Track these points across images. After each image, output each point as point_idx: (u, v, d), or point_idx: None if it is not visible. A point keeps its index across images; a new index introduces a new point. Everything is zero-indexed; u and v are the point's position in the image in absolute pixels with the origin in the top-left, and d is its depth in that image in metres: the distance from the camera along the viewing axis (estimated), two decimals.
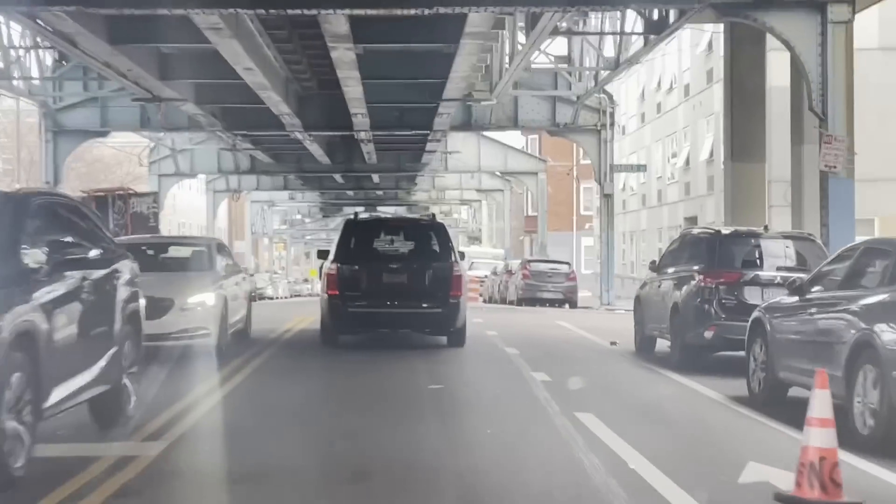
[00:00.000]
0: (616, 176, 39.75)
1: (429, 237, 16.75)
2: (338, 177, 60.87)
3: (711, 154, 39.28)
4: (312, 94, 31.28)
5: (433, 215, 19.40)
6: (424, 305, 15.76)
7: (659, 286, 15.62)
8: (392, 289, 15.89)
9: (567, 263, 37.93)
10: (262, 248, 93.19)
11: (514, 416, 9.99)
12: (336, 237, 17.27)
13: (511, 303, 36.97)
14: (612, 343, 17.59)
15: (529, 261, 38.62)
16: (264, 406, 10.66)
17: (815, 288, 10.31)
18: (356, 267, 16.05)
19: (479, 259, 49.24)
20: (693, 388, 12.13)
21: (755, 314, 11.35)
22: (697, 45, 40.16)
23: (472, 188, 57.21)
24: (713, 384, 12.29)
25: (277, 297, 62.57)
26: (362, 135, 33.69)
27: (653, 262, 16.45)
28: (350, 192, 63.38)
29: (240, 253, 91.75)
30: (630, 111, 52.82)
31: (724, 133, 23.31)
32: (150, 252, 15.29)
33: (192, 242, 17.00)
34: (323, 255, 17.53)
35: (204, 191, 62.84)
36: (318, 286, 20.35)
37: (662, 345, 16.08)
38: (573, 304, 35.14)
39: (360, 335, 16.97)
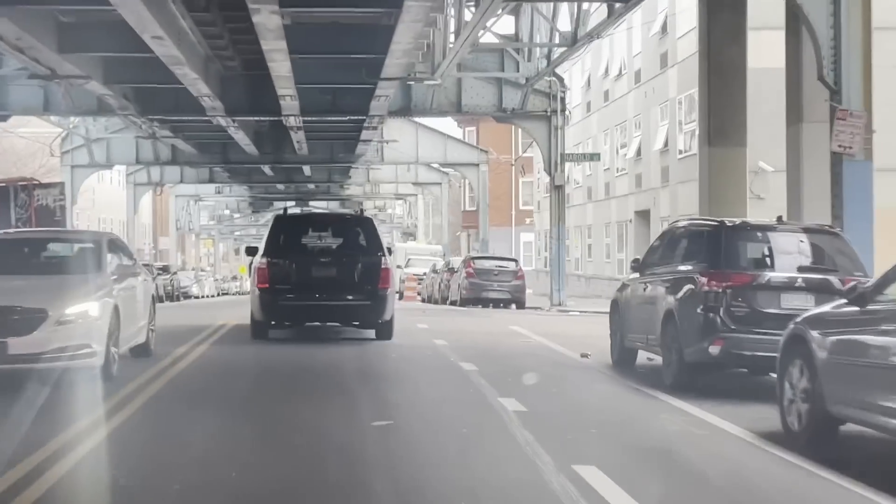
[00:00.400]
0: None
1: (357, 232, 17.33)
2: (266, 168, 58.06)
3: (666, 144, 37.10)
4: (236, 75, 28.70)
5: (362, 210, 20.37)
6: (352, 298, 16.39)
7: (645, 289, 13.16)
8: (321, 282, 16.50)
9: (514, 260, 35.53)
10: (190, 245, 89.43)
11: (493, 474, 7.37)
12: (266, 232, 17.60)
13: (453, 303, 34.54)
14: (584, 355, 15.16)
15: (474, 258, 35.96)
16: (155, 454, 7.97)
17: (884, 295, 7.86)
18: (285, 261, 16.66)
19: (417, 256, 46.85)
20: (706, 421, 9.67)
21: (792, 328, 8.85)
22: (650, 28, 37.92)
23: (408, 181, 54.41)
24: (728, 414, 9.86)
25: (203, 296, 59.44)
26: (291, 120, 30.98)
27: (636, 261, 13.95)
28: (280, 186, 60.50)
29: (164, 250, 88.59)
30: (575, 100, 50.51)
31: (699, 114, 20.98)
32: (25, 250, 12.47)
33: (76, 238, 14.15)
34: (252, 251, 18.45)
35: (125, 184, 59.32)
36: (248, 284, 21.22)
37: (643, 357, 13.68)
38: (521, 305, 32.77)
39: (291, 329, 17.40)
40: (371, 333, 16.95)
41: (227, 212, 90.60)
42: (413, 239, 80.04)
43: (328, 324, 17.58)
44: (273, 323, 16.84)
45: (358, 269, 16.55)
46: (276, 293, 16.38)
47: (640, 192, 40.45)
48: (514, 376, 12.44)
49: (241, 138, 36.80)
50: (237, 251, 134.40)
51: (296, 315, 16.82)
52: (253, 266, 17.33)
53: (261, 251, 16.94)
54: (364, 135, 36.48)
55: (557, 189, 33.51)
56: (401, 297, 41.81)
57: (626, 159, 42.55)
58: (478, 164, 48.67)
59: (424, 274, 42.32)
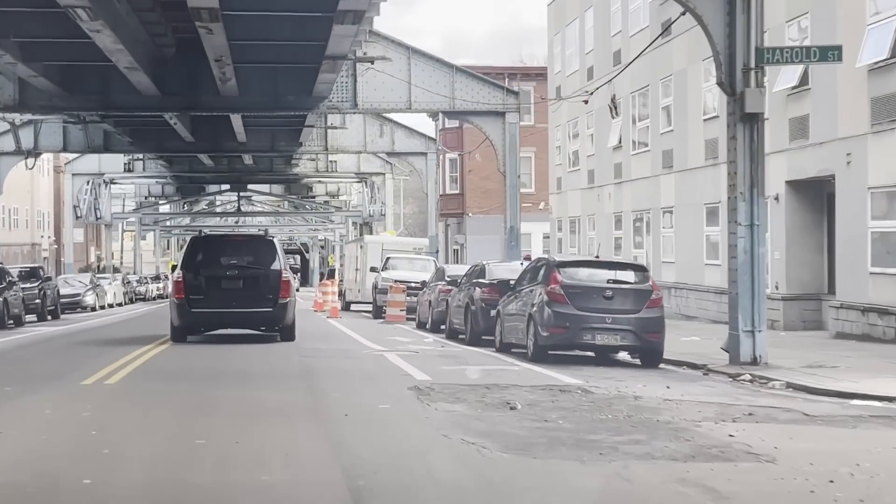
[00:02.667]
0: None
1: (262, 251, 24.45)
2: (204, 158, 57.73)
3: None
4: (170, 56, 28.65)
5: (266, 231, 29.14)
6: (257, 307, 23.63)
7: None
8: (230, 293, 23.45)
9: (642, 269, 22.30)
10: (108, 238, 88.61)
11: None
12: (183, 250, 24.31)
13: (478, 340, 25.91)
14: None
15: (562, 263, 22.07)
16: None
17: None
18: (199, 275, 23.43)
19: (399, 254, 45.75)
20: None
21: None
22: None
23: (380, 149, 53.86)
24: None
25: (103, 307, 58.05)
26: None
27: None
28: (207, 161, 59.84)
29: (77, 243, 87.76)
30: None
31: None
32: None
33: None
34: (174, 268, 25.31)
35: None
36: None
37: None
38: (654, 357, 21.05)
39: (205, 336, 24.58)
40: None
41: (149, 197, 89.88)
42: (369, 231, 79.58)
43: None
44: (189, 329, 23.96)
45: (262, 282, 23.83)
46: (191, 303, 23.37)
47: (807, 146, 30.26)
48: None
49: (180, 129, 36.89)
50: (166, 245, 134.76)
51: (208, 322, 24.28)
52: (171, 279, 23.96)
53: (178, 266, 23.83)
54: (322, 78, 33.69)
55: (748, 120, 20.29)
56: (379, 315, 41.13)
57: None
58: (503, 114, 40.56)
59: (421, 284, 37.02)
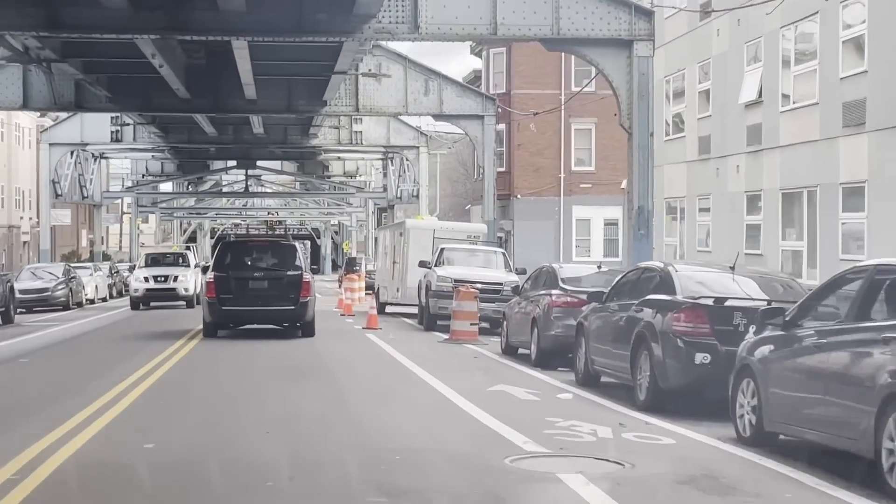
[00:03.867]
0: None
1: (285, 254, 27.36)
2: (205, 123, 46.60)
3: None
4: None
5: (291, 236, 42.31)
6: (280, 305, 26.18)
7: None
8: (256, 292, 26.20)
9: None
10: (99, 220, 76.78)
11: None
12: (215, 254, 28.38)
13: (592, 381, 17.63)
14: None
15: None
16: None
17: None
18: (229, 277, 26.21)
19: (453, 243, 34.22)
20: None
21: None
22: None
23: (425, 112, 42.33)
24: None
25: (80, 304, 46.03)
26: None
27: None
28: (207, 128, 48.62)
29: (65, 226, 76.40)
30: None
31: None
32: None
33: None
34: (205, 269, 30.34)
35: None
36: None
37: None
38: None
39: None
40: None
41: (146, 175, 78.52)
42: (392, 217, 67.99)
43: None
44: (220, 325, 26.68)
45: (285, 283, 26.24)
46: (222, 301, 26.05)
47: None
48: None
49: (168, 73, 30.14)
50: (165, 230, 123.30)
51: (237, 319, 26.88)
52: (204, 279, 27.60)
53: (210, 268, 27.14)
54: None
55: None
56: (432, 326, 30.78)
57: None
58: (629, 43, 26.95)
59: (495, 286, 29.10)
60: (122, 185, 77.90)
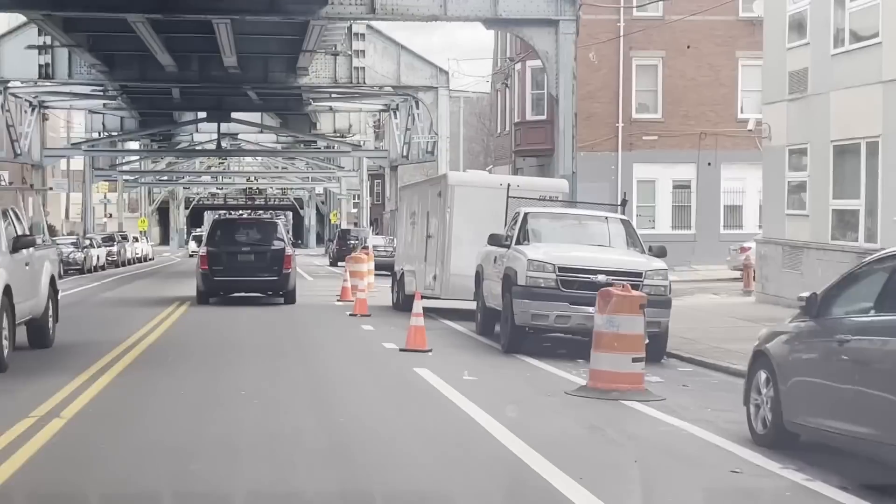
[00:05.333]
0: None
1: (269, 230, 29.59)
2: (160, 53, 33.85)
3: None
4: None
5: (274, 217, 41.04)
6: (265, 275, 28.04)
7: None
8: (244, 264, 28.07)
9: None
10: (38, 184, 63.01)
11: None
12: (206, 230, 34.23)
13: None
14: None
15: None
16: None
17: None
18: (219, 250, 28.10)
19: (536, 207, 21.20)
20: None
21: None
22: None
23: (470, 16, 29.05)
24: None
25: None
26: None
27: None
28: (169, 63, 35.17)
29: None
30: None
31: None
32: None
33: None
34: (197, 238, 53.10)
35: None
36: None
37: None
38: None
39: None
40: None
41: (103, 135, 65.29)
42: (396, 179, 54.86)
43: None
44: (212, 293, 28.30)
45: (269, 256, 28.19)
46: (213, 272, 27.83)
47: None
48: None
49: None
50: (126, 198, 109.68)
51: (226, 287, 28.48)
52: (198, 253, 29.69)
53: (203, 243, 29.68)
54: None
55: None
56: (516, 345, 18.28)
57: None
58: None
59: (636, 278, 16.84)
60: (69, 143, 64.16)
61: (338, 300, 29.75)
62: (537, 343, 18.25)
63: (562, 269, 17.19)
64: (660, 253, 18.66)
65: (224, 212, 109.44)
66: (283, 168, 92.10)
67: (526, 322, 17.39)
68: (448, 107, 43.40)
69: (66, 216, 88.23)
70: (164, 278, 45.29)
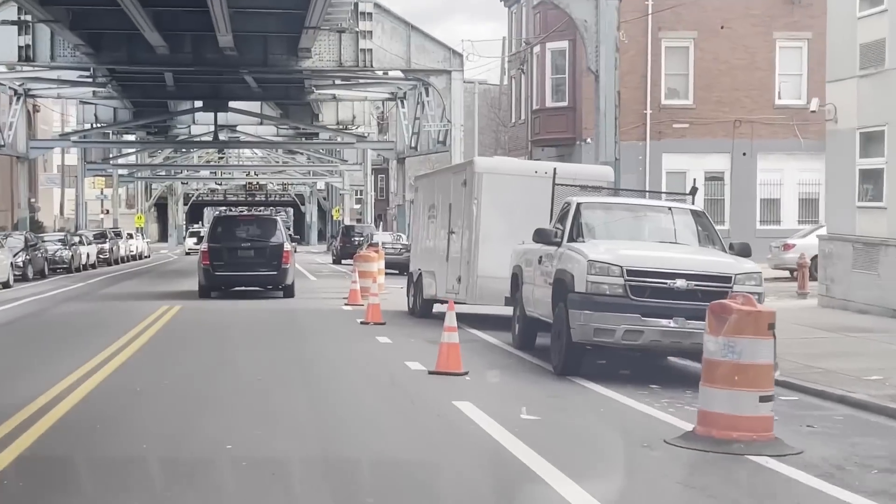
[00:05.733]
0: None
1: (268, 227, 30.42)
2: (149, 33, 30.46)
3: None
4: None
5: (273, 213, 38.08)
6: (264, 270, 28.73)
7: None
8: (244, 260, 28.77)
9: None
10: (23, 178, 59.58)
11: None
12: (207, 227, 35.93)
13: None
14: None
15: None
16: None
17: None
18: (220, 246, 28.86)
19: (588, 197, 17.66)
20: None
21: None
22: None
23: None
24: None
25: None
26: None
27: None
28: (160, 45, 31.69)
29: None
30: None
31: None
32: None
33: None
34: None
35: None
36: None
37: None
38: None
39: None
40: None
41: (94, 124, 61.81)
42: (402, 172, 51.39)
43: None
44: (213, 288, 28.94)
45: (268, 252, 28.83)
46: (214, 267, 28.55)
47: None
48: None
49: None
50: (122, 193, 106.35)
51: (227, 282, 29.18)
52: (200, 249, 30.46)
53: (204, 239, 30.71)
54: None
55: None
56: (568, 367, 14.71)
57: None
58: None
59: (724, 284, 13.62)
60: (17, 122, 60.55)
61: (345, 304, 26.31)
62: (589, 358, 14.77)
63: (631, 273, 13.72)
64: (743, 251, 15.21)
65: (224, 208, 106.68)
66: (283, 162, 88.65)
67: (586, 338, 13.90)
68: (462, 92, 39.86)
69: (61, 212, 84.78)
70: (154, 278, 41.86)
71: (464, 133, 39.98)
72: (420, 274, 23.85)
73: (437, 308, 22.79)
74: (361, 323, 21.31)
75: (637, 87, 40.42)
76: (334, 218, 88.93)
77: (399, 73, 41.76)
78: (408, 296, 24.82)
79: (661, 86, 40.92)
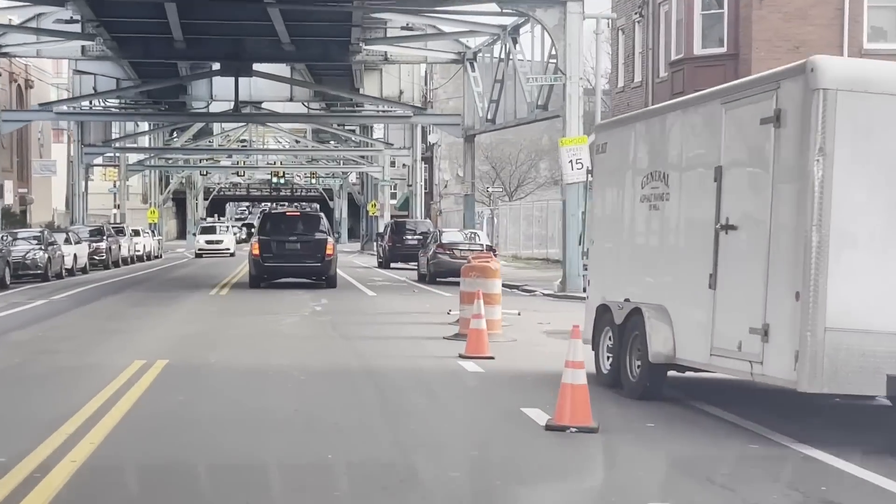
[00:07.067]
0: None
1: (313, 222, 32.33)
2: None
3: None
4: None
5: (317, 209, 40.58)
6: (310, 262, 30.78)
7: None
8: (291, 252, 30.85)
9: None
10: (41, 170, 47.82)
11: None
12: (257, 222, 37.21)
13: None
14: None
15: None
16: None
17: None
18: (269, 239, 31.01)
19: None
20: None
21: None
22: None
23: None
24: None
25: None
26: None
27: None
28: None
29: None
30: None
31: None
32: None
33: None
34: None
35: None
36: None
37: None
38: None
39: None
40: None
41: (104, 103, 50.52)
42: (472, 152, 39.23)
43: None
44: (263, 277, 31.17)
45: (313, 245, 30.81)
46: (264, 259, 30.68)
47: None
48: None
49: None
50: (141, 185, 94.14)
51: (275, 272, 31.12)
52: (251, 242, 33.67)
53: (255, 233, 33.19)
54: None
55: None
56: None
57: None
58: None
59: None
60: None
61: (462, 356, 14.38)
62: None
63: None
64: None
65: (270, 203, 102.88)
66: (313, 147, 76.80)
67: None
68: (581, 32, 27.69)
69: (67, 206, 73.00)
70: (146, 292, 30.07)
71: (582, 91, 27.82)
72: (628, 310, 11.85)
73: (672, 375, 10.92)
74: (546, 428, 9.42)
75: (828, 25, 28.31)
76: (370, 213, 77.04)
77: (493, 7, 29.64)
78: (596, 350, 12.79)
79: (864, 23, 28.79)
